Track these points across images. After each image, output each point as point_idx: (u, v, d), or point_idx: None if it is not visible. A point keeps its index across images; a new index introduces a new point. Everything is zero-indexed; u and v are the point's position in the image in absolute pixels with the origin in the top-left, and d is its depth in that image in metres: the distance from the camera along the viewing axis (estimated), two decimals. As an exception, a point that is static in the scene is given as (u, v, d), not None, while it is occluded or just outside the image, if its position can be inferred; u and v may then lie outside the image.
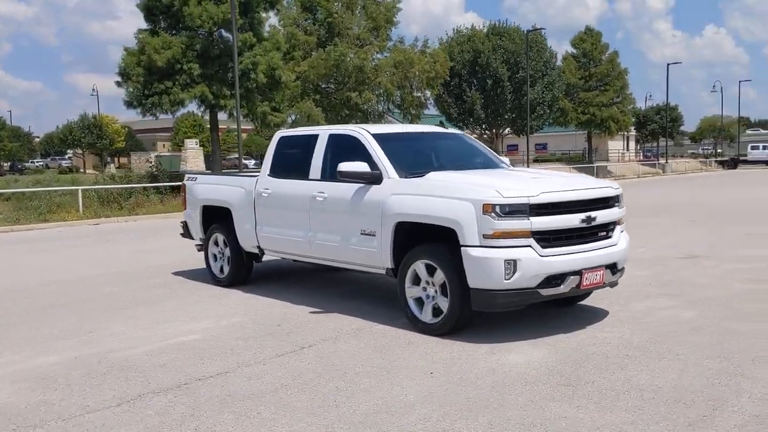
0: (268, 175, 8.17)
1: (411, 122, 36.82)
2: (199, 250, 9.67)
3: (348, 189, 7.02)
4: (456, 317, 6.11)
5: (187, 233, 9.71)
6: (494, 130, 44.67)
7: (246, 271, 8.88)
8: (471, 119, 43.43)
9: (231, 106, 26.92)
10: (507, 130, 45.61)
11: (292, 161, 8.05)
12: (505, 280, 5.78)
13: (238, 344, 6.15)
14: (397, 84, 32.27)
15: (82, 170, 64.68)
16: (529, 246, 5.85)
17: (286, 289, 8.51)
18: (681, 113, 68.19)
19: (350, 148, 7.26)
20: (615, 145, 68.99)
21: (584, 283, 6.12)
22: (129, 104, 26.56)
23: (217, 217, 9.06)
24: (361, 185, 6.90)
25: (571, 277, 6.01)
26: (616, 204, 6.56)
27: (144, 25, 27.94)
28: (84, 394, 4.96)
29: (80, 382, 5.22)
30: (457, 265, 6.01)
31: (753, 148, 60.87)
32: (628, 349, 5.68)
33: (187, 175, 9.86)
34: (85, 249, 13.39)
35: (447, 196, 6.13)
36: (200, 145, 39.26)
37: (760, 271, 8.91)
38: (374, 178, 6.78)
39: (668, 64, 53.42)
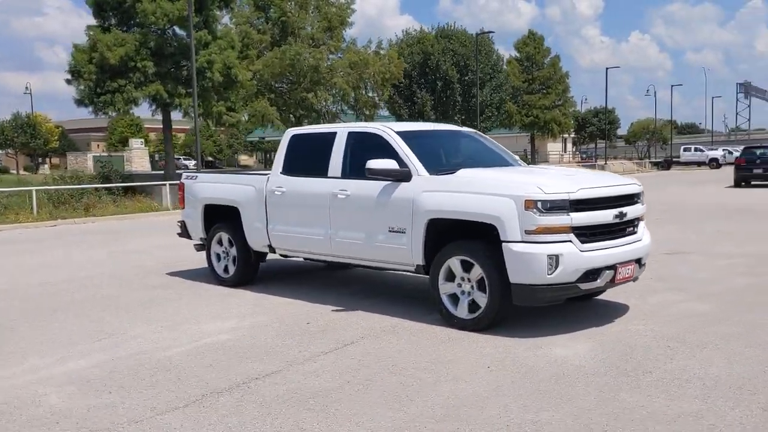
0: (281, 173, 8.07)
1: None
2: (198, 250, 9.48)
3: (374, 186, 7.00)
4: (495, 312, 6.16)
5: (185, 233, 9.50)
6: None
7: (253, 271, 8.75)
8: (421, 120, 43.68)
9: (186, 105, 26.43)
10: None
11: (307, 159, 7.98)
12: (548, 274, 5.87)
13: (277, 343, 6.06)
14: (353, 84, 32.23)
15: (13, 171, 62.27)
16: (570, 241, 5.96)
17: (294, 288, 8.42)
18: (618, 116, 70.27)
19: (373, 145, 7.26)
20: (554, 147, 70.63)
21: (618, 278, 6.27)
22: (80, 102, 25.83)
23: (221, 216, 8.90)
24: (388, 183, 6.89)
25: (607, 271, 6.15)
26: (640, 200, 6.75)
27: (93, 21, 27.20)
28: (142, 396, 4.81)
29: (132, 384, 5.06)
30: (496, 261, 6.07)
31: (685, 150, 63.18)
32: (667, 341, 5.83)
33: (184, 174, 9.65)
34: (57, 251, 12.91)
35: (485, 192, 6.18)
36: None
37: (751, 266, 9.27)
38: (403, 175, 6.78)
39: (607, 69, 54.91)
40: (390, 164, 6.80)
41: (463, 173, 6.68)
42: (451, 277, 6.47)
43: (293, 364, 5.43)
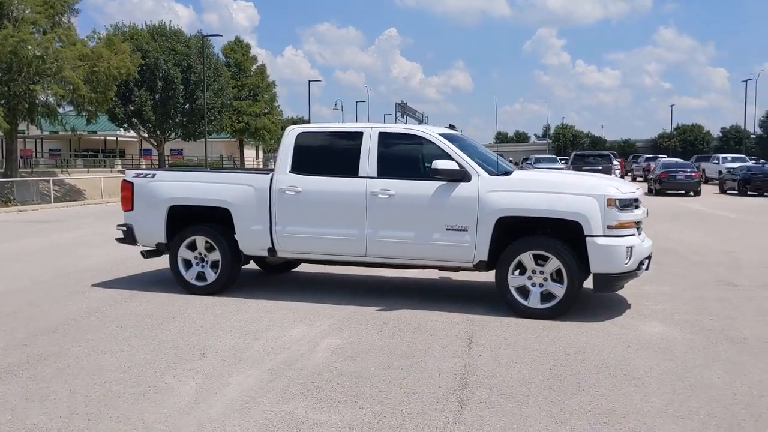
0: (290, 172, 7.69)
1: (88, 121, 33.80)
2: (148, 256, 8.52)
3: (426, 186, 7.17)
4: (572, 301, 6.82)
5: (129, 238, 8.39)
6: (164, 134, 43.08)
7: (236, 278, 8.14)
8: (139, 121, 41.30)
9: None
10: (175, 134, 44.32)
11: (324, 158, 7.77)
12: (624, 264, 6.72)
13: (387, 343, 5.97)
14: (84, 78, 29.38)
15: None
16: (634, 234, 6.89)
17: (279, 292, 8.11)
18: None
19: (415, 147, 7.48)
20: (249, 154, 71.45)
21: (646, 267, 7.32)
22: None
23: (193, 219, 8.12)
24: (443, 183, 7.11)
25: (646, 261, 7.20)
26: None
27: None
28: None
29: (364, 394, 4.73)
30: (575, 254, 6.74)
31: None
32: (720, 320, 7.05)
33: (133, 172, 8.50)
34: None
35: (568, 192, 6.81)
36: None
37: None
38: (463, 176, 7.07)
39: (309, 81, 57.55)
40: (453, 165, 7.05)
41: (520, 174, 7.24)
42: (520, 270, 6.94)
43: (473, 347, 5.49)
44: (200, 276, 8.06)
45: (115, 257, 10.82)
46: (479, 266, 7.14)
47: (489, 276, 7.48)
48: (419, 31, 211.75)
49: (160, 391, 4.78)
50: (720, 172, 36.77)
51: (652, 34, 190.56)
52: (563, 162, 41.84)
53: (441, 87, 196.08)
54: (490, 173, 7.14)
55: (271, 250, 7.81)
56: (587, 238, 6.69)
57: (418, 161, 7.64)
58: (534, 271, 6.92)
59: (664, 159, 39.36)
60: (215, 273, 7.98)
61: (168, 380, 5.01)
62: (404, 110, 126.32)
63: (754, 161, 40.76)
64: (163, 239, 8.17)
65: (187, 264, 8.12)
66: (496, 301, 7.26)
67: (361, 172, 7.45)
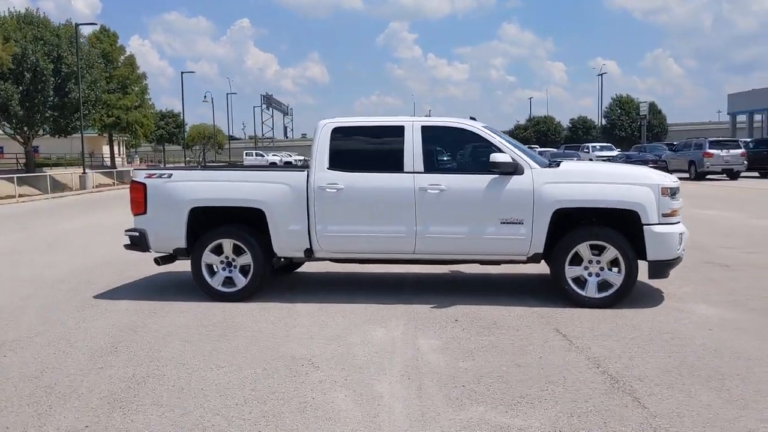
0: (329, 168, 7.37)
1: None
2: (162, 263, 7.95)
3: (479, 180, 7.12)
4: (629, 289, 7.01)
5: (141, 244, 7.71)
6: (32, 130, 39.79)
7: (266, 281, 7.71)
8: (2, 116, 37.89)
9: None
10: (44, 130, 41.06)
11: (364, 154, 7.52)
12: (677, 250, 7.00)
13: (486, 341, 5.91)
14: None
15: None
16: (680, 222, 7.18)
17: (306, 294, 7.81)
18: (183, 119, 70.69)
19: (461, 140, 7.45)
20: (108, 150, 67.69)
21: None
22: None
23: (217, 221, 7.62)
24: (496, 176, 7.09)
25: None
26: None
27: None
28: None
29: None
30: (631, 242, 6.93)
31: (248, 154, 67.65)
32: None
33: (144, 172, 7.79)
34: None
35: (624, 182, 6.99)
36: None
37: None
38: (516, 168, 7.08)
39: (182, 72, 55.26)
40: (508, 158, 7.04)
41: (568, 166, 7.35)
42: (576, 261, 7.05)
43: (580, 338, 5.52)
44: (227, 281, 7.56)
45: (71, 268, 9.93)
46: (534, 258, 7.18)
47: (504, 268, 7.62)
48: (273, 22, 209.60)
49: (317, 408, 4.44)
50: (591, 160, 39.02)
51: (497, 30, 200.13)
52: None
53: (297, 79, 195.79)
54: (542, 165, 7.19)
55: (308, 251, 7.45)
56: (645, 227, 6.88)
57: (465, 155, 7.57)
58: (590, 261, 7.04)
59: (537, 149, 41.27)
60: (245, 278, 7.51)
61: (313, 395, 4.67)
62: (270, 102, 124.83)
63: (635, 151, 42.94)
64: (182, 244, 7.59)
65: (211, 270, 7.60)
66: (521, 292, 7.36)
67: (406, 167, 7.27)
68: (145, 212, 7.66)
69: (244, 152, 69.34)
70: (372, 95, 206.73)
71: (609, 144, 48.10)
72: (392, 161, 7.33)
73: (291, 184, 7.40)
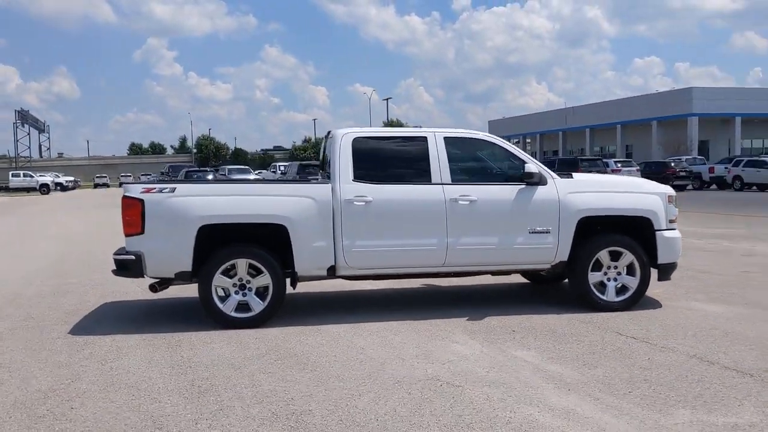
0: (354, 180, 6.98)
1: None
2: (157, 290, 7.05)
3: (507, 191, 7.20)
4: (643, 292, 7.44)
5: (134, 269, 6.69)
6: None
7: (281, 304, 7.07)
8: None
9: None
10: None
11: (390, 165, 7.20)
12: (679, 253, 7.59)
13: (573, 350, 5.98)
14: None
15: None
16: (676, 228, 7.79)
17: (330, 314, 7.31)
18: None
19: (480, 151, 7.50)
20: None
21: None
22: None
23: (228, 239, 6.87)
24: (522, 187, 7.21)
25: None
26: None
27: None
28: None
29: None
30: (644, 248, 7.39)
31: (14, 176, 61.56)
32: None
33: (139, 187, 6.73)
34: None
35: (638, 191, 7.46)
36: None
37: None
38: (541, 179, 7.25)
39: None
40: (536, 169, 7.19)
41: (581, 177, 7.69)
42: (596, 267, 7.35)
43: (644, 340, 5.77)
44: (244, 306, 6.82)
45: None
46: (557, 266, 7.36)
47: (486, 278, 8.05)
48: (12, 31, 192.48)
49: (526, 424, 4.18)
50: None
51: (260, 51, 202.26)
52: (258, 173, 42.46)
53: (43, 94, 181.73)
54: (560, 176, 7.42)
55: (332, 269, 6.97)
56: (657, 233, 7.36)
57: (487, 165, 7.56)
58: (609, 267, 7.37)
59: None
60: (263, 302, 6.83)
61: (504, 414, 4.37)
62: (25, 118, 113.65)
63: None
64: (188, 267, 6.70)
65: (224, 294, 6.81)
66: (533, 300, 7.56)
67: (434, 179, 7.11)
68: (141, 232, 6.66)
69: (10, 173, 62.44)
70: (129, 113, 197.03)
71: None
72: (418, 172, 7.14)
73: (315, 197, 6.88)
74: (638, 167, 36.15)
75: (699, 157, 47.14)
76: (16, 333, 6.81)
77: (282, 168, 45.26)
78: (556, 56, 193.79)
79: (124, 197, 6.71)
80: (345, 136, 7.14)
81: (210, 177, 35.07)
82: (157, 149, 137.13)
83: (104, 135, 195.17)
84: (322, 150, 8.34)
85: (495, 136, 7.52)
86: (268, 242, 6.90)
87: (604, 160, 38.98)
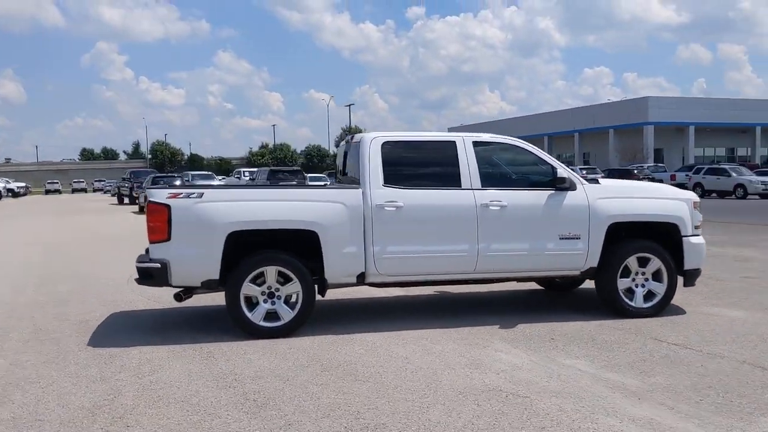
0: (384, 185, 6.80)
1: None
2: (182, 299, 6.79)
3: (537, 196, 7.11)
4: (671, 298, 7.41)
5: (159, 277, 6.39)
6: None
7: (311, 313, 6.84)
8: None
9: None
10: None
11: (419, 169, 7.05)
12: (705, 259, 7.60)
13: (620, 356, 5.91)
14: None
15: None
16: (700, 234, 7.79)
17: (356, 323, 7.10)
18: None
19: (509, 156, 7.44)
20: None
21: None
22: None
23: (257, 245, 6.62)
24: (551, 192, 7.13)
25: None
26: None
27: None
28: None
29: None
30: (671, 254, 7.36)
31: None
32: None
33: (165, 192, 6.42)
34: None
35: (665, 197, 7.43)
36: None
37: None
38: (571, 184, 7.18)
39: None
40: (567, 174, 7.12)
41: (607, 182, 7.67)
42: (624, 273, 7.30)
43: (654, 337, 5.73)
44: (273, 315, 6.57)
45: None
46: (587, 273, 7.29)
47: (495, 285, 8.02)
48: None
49: (620, 439, 4.07)
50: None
51: (213, 57, 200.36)
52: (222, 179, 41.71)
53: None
54: (589, 182, 7.36)
55: (361, 276, 6.78)
56: (684, 238, 7.35)
57: (515, 170, 7.45)
58: (636, 273, 7.32)
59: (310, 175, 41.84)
60: (292, 310, 6.59)
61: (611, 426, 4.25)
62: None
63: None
64: (216, 275, 6.44)
65: (253, 302, 6.56)
66: (557, 307, 7.49)
67: (464, 184, 6.98)
68: (168, 239, 6.37)
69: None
70: (78, 117, 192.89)
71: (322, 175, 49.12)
72: (448, 177, 7.00)
73: (345, 202, 6.68)
74: (603, 174, 36.61)
75: (660, 164, 48.20)
76: (30, 345, 6.44)
77: (248, 174, 44.53)
78: (508, 65, 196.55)
79: (150, 202, 6.41)
80: (374, 141, 6.96)
81: (178, 183, 34.36)
82: (109, 155, 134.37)
83: (53, 140, 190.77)
84: (340, 155, 8.13)
85: (523, 141, 7.42)
86: (296, 249, 6.67)
87: (571, 167, 39.44)
